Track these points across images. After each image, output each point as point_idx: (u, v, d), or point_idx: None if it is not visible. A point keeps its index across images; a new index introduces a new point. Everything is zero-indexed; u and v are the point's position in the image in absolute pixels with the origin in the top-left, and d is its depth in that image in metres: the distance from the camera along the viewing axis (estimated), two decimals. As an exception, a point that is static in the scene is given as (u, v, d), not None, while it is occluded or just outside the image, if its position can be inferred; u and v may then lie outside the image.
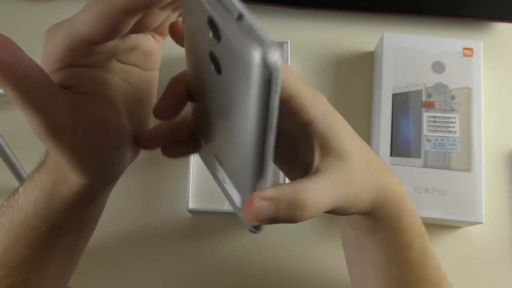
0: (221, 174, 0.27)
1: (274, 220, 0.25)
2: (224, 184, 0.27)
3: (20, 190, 0.31)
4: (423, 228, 0.34)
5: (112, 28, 0.24)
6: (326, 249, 0.50)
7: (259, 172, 0.22)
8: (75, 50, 0.25)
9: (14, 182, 0.49)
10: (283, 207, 0.25)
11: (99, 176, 0.30)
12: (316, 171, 0.28)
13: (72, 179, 0.29)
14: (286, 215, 0.25)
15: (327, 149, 0.28)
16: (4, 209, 0.31)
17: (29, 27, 0.55)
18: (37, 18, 0.56)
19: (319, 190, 0.26)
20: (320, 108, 0.28)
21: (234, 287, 0.49)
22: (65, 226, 0.33)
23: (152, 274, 0.49)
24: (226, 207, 0.49)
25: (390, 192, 0.31)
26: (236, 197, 0.26)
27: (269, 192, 0.24)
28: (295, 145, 0.29)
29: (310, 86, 0.28)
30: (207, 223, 0.50)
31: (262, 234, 0.22)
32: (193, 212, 0.48)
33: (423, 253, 0.34)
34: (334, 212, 0.28)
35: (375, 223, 0.32)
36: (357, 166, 0.28)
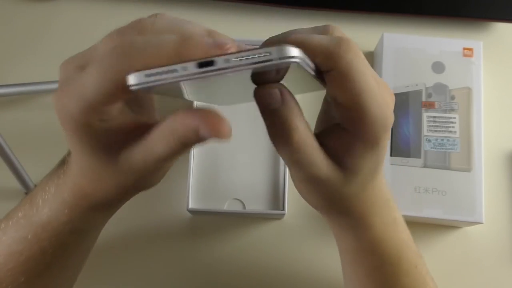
0: None
1: None
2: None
3: (40, 202, 0.30)
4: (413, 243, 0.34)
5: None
6: (324, 250, 0.50)
7: None
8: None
9: (14, 182, 0.49)
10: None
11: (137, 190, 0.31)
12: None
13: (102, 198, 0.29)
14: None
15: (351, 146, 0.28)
16: (23, 221, 0.30)
17: (29, 27, 0.55)
18: (37, 18, 0.56)
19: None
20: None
21: (234, 287, 0.49)
22: (90, 230, 0.33)
23: (151, 274, 0.49)
24: (226, 207, 0.49)
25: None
26: None
27: None
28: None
29: None
30: (207, 223, 0.50)
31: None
32: (193, 212, 0.48)
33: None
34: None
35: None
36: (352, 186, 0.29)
